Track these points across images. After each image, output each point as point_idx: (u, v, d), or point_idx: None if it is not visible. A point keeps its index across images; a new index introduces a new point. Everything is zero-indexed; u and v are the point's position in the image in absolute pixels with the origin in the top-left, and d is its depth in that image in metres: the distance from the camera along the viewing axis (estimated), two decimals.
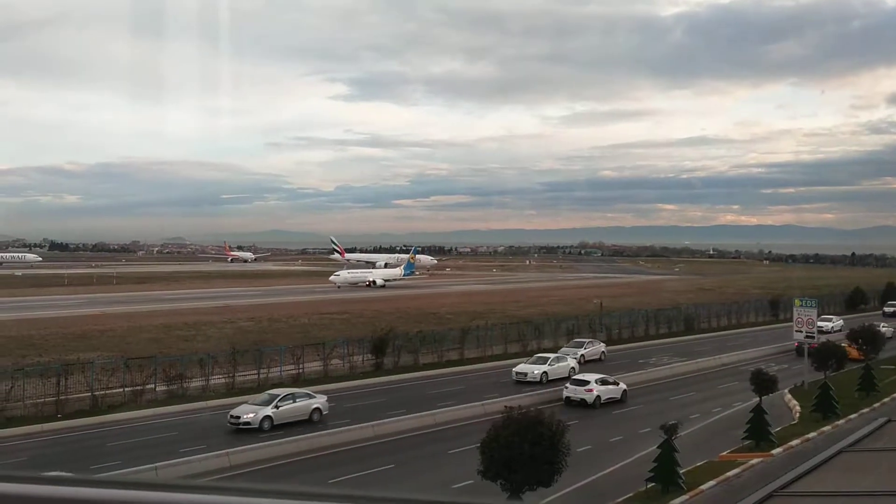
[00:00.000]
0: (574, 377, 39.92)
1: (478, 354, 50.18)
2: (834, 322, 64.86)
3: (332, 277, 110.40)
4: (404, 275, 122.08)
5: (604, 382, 38.06)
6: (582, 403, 36.58)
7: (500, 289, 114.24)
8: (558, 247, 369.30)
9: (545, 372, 42.53)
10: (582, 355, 48.48)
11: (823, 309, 65.10)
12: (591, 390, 37.10)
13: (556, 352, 47.27)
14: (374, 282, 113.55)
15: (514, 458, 19.37)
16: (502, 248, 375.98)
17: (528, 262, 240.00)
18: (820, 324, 61.25)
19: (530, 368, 42.86)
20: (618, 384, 38.85)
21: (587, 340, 51.90)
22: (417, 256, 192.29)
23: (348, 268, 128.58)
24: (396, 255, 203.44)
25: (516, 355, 51.03)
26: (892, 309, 77.88)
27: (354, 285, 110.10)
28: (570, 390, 37.52)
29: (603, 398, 37.07)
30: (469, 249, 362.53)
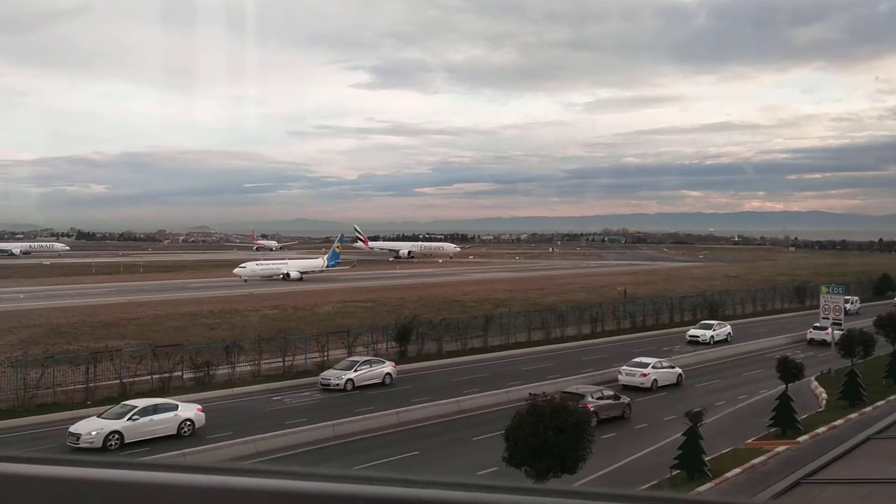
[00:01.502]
0: (815, 324, 51.56)
1: (501, 342, 50.12)
2: None
3: (236, 270, 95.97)
4: (328, 266, 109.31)
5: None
6: (823, 343, 48.71)
7: (523, 276, 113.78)
8: (582, 234, 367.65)
9: (116, 431, 27.30)
10: (350, 379, 37.23)
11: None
12: (828, 334, 48.18)
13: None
14: (287, 274, 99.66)
15: (538, 446, 19.38)
16: (525, 235, 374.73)
17: (551, 249, 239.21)
18: None
19: (86, 427, 27.53)
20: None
21: (363, 359, 39.78)
22: (440, 244, 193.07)
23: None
24: (420, 242, 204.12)
25: (539, 343, 51.08)
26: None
27: (267, 279, 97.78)
28: (814, 333, 51.84)
29: (836, 339, 44.42)
30: (492, 237, 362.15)
